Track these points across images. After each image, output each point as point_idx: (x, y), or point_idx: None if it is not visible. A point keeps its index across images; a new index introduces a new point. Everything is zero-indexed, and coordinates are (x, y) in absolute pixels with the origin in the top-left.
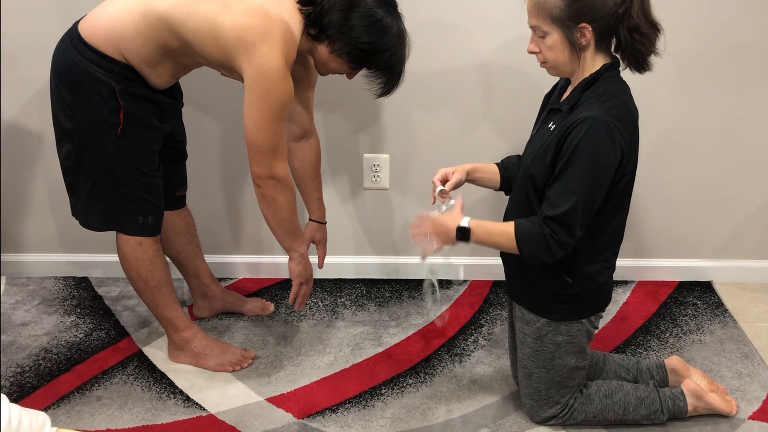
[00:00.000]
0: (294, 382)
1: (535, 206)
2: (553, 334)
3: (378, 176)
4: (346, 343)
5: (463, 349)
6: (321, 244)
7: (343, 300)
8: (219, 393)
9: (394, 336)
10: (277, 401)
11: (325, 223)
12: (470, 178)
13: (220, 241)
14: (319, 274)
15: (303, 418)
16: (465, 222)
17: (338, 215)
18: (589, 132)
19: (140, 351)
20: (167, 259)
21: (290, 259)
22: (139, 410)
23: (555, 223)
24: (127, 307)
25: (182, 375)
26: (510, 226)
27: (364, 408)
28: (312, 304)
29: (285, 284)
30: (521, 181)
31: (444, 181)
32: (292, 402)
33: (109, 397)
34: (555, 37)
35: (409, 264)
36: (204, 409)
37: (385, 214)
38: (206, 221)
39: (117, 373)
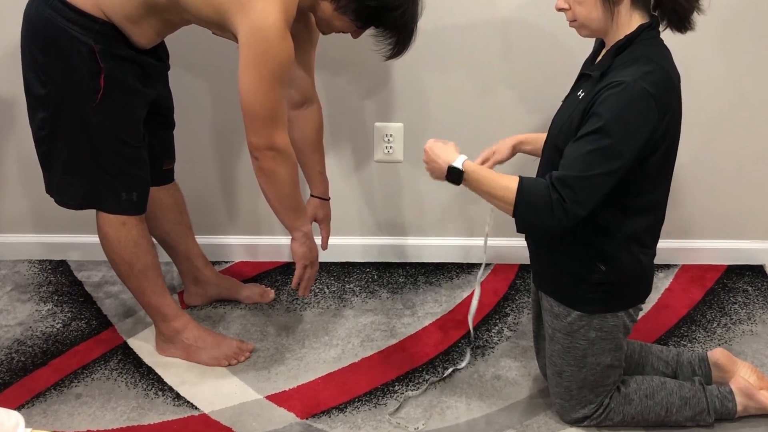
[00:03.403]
0: (296, 377)
1: None
2: (586, 330)
3: (391, 147)
4: (354, 335)
5: (486, 341)
6: (324, 223)
7: (351, 286)
8: (213, 390)
9: (408, 326)
10: (278, 399)
11: (328, 200)
12: (519, 150)
13: (213, 219)
14: (325, 256)
15: (307, 418)
16: (459, 162)
17: (344, 191)
18: (621, 98)
19: (125, 343)
20: (154, 240)
21: (293, 239)
22: (123, 409)
23: (566, 187)
24: (109, 294)
25: (172, 370)
26: (512, 180)
27: (375, 407)
28: (317, 290)
29: (287, 268)
30: (547, 156)
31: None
32: (295, 400)
33: (90, 395)
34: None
35: (426, 246)
36: (196, 408)
37: (398, 189)
38: (197, 198)
39: (99, 368)
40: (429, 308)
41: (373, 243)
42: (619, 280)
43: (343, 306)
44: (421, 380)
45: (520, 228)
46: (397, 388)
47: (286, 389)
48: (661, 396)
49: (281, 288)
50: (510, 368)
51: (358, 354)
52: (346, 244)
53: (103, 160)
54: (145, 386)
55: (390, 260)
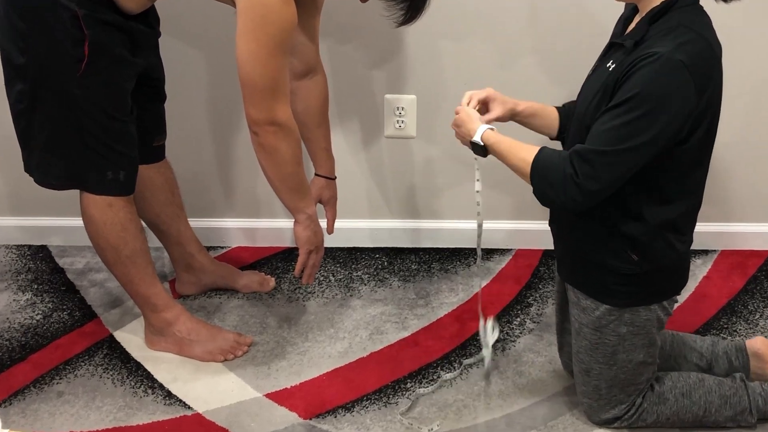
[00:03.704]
0: (299, 374)
1: None
2: (616, 324)
3: (403, 122)
4: (363, 327)
5: (507, 333)
6: (330, 204)
7: (359, 273)
8: (207, 388)
9: (421, 318)
10: (279, 398)
11: (334, 179)
12: (519, 120)
13: (208, 201)
14: (330, 241)
15: (310, 419)
16: (478, 135)
17: (352, 170)
18: (655, 70)
19: (111, 336)
20: (143, 223)
21: (296, 222)
22: (109, 408)
23: (584, 161)
24: (94, 283)
25: (162, 365)
26: (531, 152)
27: (386, 406)
28: (322, 278)
29: (289, 254)
30: (574, 135)
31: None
32: (297, 398)
33: (73, 393)
34: None
35: (441, 229)
36: (189, 407)
37: (409, 168)
38: (191, 177)
39: (82, 364)
40: (444, 298)
41: (383, 226)
42: (652, 270)
43: (351, 295)
44: (435, 377)
45: (539, 199)
46: (409, 385)
47: (288, 387)
48: (699, 394)
49: (282, 276)
50: (533, 363)
51: (366, 348)
52: (353, 228)
53: (88, 136)
54: (133, 383)
55: (401, 245)
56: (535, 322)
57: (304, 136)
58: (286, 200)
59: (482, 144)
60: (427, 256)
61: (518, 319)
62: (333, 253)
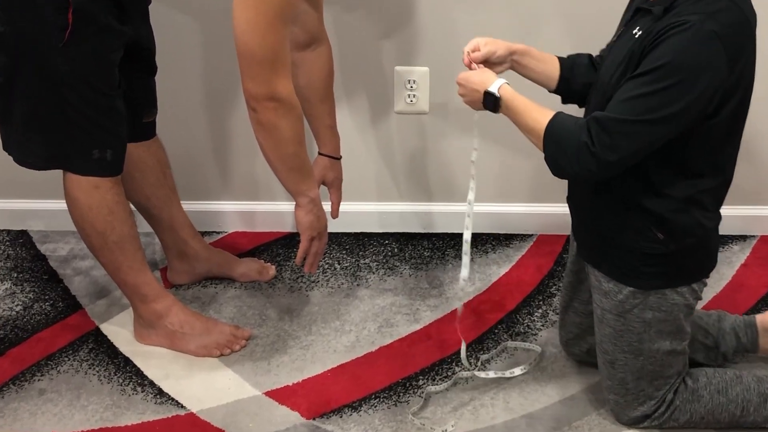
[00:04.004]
0: (302, 370)
1: None
2: (641, 309)
3: (414, 96)
4: (371, 319)
5: (528, 326)
6: (334, 186)
7: (367, 261)
8: (202, 385)
9: (435, 309)
10: (280, 396)
11: (339, 159)
12: (516, 64)
13: (202, 182)
14: (335, 226)
15: (314, 419)
16: (496, 86)
17: (358, 149)
18: (687, 40)
19: (97, 329)
20: (132, 207)
21: (297, 206)
22: (95, 408)
23: (602, 130)
24: (79, 271)
25: (153, 361)
26: (546, 115)
27: (396, 405)
28: (326, 265)
29: (290, 240)
30: (596, 104)
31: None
32: (300, 397)
33: (56, 391)
34: None
35: (456, 213)
36: (182, 406)
37: (422, 146)
38: (184, 156)
39: (66, 359)
40: (459, 288)
41: (393, 210)
42: (679, 249)
43: (358, 285)
44: (449, 373)
45: (554, 172)
46: (421, 382)
47: (290, 384)
48: (737, 392)
49: (283, 263)
50: (556, 359)
51: (375, 342)
52: (360, 212)
53: (72, 112)
54: (121, 380)
55: (413, 230)
56: (558, 314)
57: (307, 112)
58: (286, 182)
59: (498, 95)
60: (441, 242)
61: (540, 311)
62: (338, 239)
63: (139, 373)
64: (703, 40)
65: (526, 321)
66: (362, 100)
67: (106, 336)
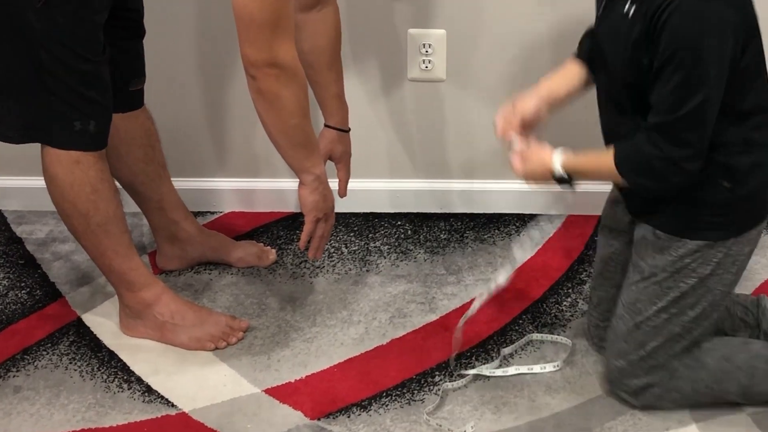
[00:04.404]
0: (305, 365)
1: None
2: (700, 263)
3: (430, 62)
4: (382, 308)
5: (556, 317)
6: (342, 162)
7: (377, 244)
8: (195, 382)
9: (452, 298)
10: (281, 394)
11: (348, 131)
12: (548, 107)
13: (195, 157)
14: (343, 206)
15: (318, 419)
16: (558, 164)
17: (368, 120)
18: (682, 18)
19: (78, 320)
20: (117, 184)
21: (301, 184)
22: (76, 407)
23: (661, 136)
24: (58, 255)
25: (140, 355)
26: (608, 156)
27: (409, 404)
28: (332, 249)
29: (293, 221)
30: (606, 99)
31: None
32: (303, 395)
33: (33, 388)
34: None
35: (475, 191)
36: (173, 405)
37: (439, 117)
38: (175, 129)
39: (44, 353)
40: (480, 273)
41: (406, 188)
42: (746, 195)
43: (367, 271)
44: (468, 368)
45: (650, 196)
46: (437, 378)
47: (292, 381)
48: (743, 359)
49: (285, 247)
50: (587, 352)
51: (386, 334)
52: (371, 190)
53: (51, 80)
54: (105, 377)
55: (428, 210)
56: (587, 301)
57: (312, 80)
58: (289, 158)
59: (565, 175)
60: (460, 224)
61: (569, 299)
62: (346, 220)
63: (125, 369)
64: (699, 13)
65: (553, 311)
66: (373, 67)
67: (88, 327)
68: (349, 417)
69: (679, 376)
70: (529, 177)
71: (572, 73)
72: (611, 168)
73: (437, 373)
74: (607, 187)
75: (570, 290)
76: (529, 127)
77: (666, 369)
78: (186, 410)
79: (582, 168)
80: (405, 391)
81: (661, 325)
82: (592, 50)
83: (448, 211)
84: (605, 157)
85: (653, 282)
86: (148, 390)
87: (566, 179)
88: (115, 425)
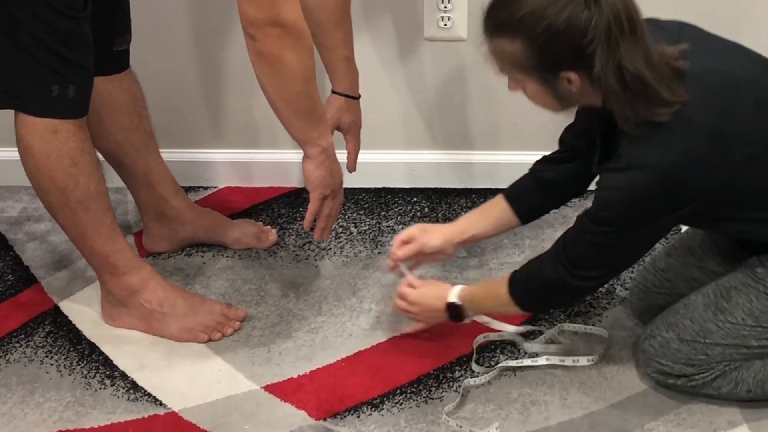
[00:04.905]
0: (309, 359)
1: None
2: None
3: (449, 18)
4: (395, 295)
5: (590, 304)
6: (351, 132)
7: (391, 223)
8: (186, 378)
9: (475, 283)
10: (283, 391)
11: (358, 98)
12: (462, 244)
13: (187, 126)
14: (352, 181)
15: (324, 419)
16: (453, 295)
17: (381, 85)
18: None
19: (56, 308)
20: (100, 156)
21: (306, 157)
22: (53, 405)
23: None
24: (33, 236)
25: (125, 348)
26: (502, 284)
27: (426, 402)
28: (340, 230)
29: (296, 197)
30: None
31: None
32: (307, 392)
33: (5, 385)
34: (533, 86)
35: (500, 164)
36: (161, 403)
37: (460, 81)
38: (166, 95)
39: (17, 345)
40: (505, 256)
41: (423, 160)
42: None
43: (379, 253)
44: (492, 362)
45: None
46: (457, 374)
47: (294, 376)
48: None
49: (287, 227)
50: (625, 344)
51: (400, 324)
52: (384, 163)
53: (25, 38)
54: (85, 372)
55: (448, 185)
56: (627, 288)
57: (318, 40)
58: (292, 128)
59: (460, 304)
60: (483, 200)
61: (605, 285)
62: (356, 197)
63: (107, 363)
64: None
65: (588, 299)
66: (385, 25)
67: (66, 316)
68: (358, 417)
69: (720, 373)
70: (420, 306)
71: (497, 212)
72: (503, 300)
73: (457, 367)
74: None
75: None
76: (427, 260)
77: (709, 367)
78: (176, 409)
79: (475, 303)
80: (421, 387)
81: (743, 332)
82: (534, 209)
83: (469, 187)
84: (499, 289)
85: (764, 292)
86: (134, 387)
87: (457, 307)
88: (96, 426)
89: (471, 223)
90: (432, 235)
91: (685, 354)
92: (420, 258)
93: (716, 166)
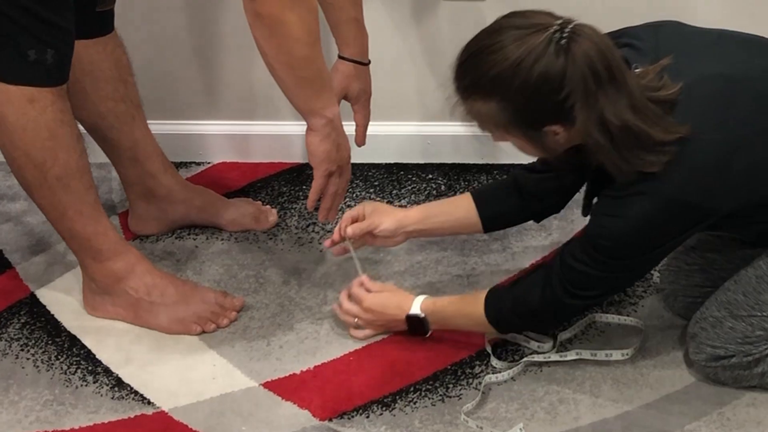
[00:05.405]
0: (313, 353)
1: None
2: None
3: None
4: (408, 282)
5: (625, 293)
6: (360, 102)
7: (404, 203)
8: (177, 374)
9: (496, 269)
10: (284, 388)
11: (367, 64)
12: (415, 234)
13: (179, 95)
14: (360, 156)
15: (330, 419)
16: (416, 307)
17: (393, 50)
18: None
19: (32, 296)
20: (81, 128)
21: (309, 129)
22: (29, 404)
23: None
24: (7, 216)
25: (109, 340)
26: (474, 303)
27: (443, 400)
28: (348, 209)
29: (298, 174)
30: None
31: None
32: (311, 390)
33: None
34: (518, 142)
35: None
36: (149, 402)
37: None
38: (154, 60)
39: None
40: (530, 239)
41: (440, 132)
42: None
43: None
44: (516, 356)
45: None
46: (477, 369)
47: (297, 372)
48: None
49: (288, 206)
50: (663, 336)
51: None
52: (396, 136)
53: None
54: (65, 367)
55: (467, 160)
56: (661, 274)
57: (323, 0)
58: (295, 97)
59: (423, 316)
60: (504, 176)
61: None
62: (365, 173)
63: (90, 357)
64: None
65: None
66: None
67: (44, 306)
68: (368, 417)
69: (762, 355)
70: (370, 319)
71: (462, 212)
72: (478, 321)
73: (477, 362)
74: None
75: None
76: (375, 243)
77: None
78: (165, 409)
79: (442, 315)
80: (437, 385)
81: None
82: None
83: (490, 162)
84: (471, 308)
85: None
86: (119, 384)
87: (423, 321)
88: (77, 427)
89: (431, 215)
90: (385, 217)
91: (740, 332)
92: (367, 239)
93: (726, 182)
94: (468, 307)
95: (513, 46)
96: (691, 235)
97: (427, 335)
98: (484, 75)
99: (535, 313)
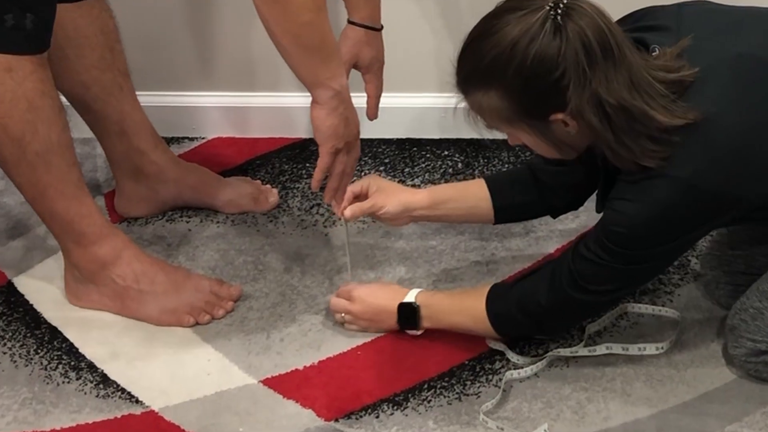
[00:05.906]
0: (318, 347)
1: None
2: None
3: None
4: (422, 269)
5: (659, 281)
6: (372, 71)
7: (417, 181)
8: (168, 370)
9: (518, 254)
10: (285, 386)
11: (380, 29)
12: (423, 218)
13: (171, 64)
14: (371, 131)
15: (336, 420)
16: (411, 296)
17: (408, 14)
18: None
19: (9, 284)
20: (64, 100)
21: (314, 102)
22: (6, 403)
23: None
24: None
25: (93, 333)
26: (475, 297)
27: (460, 399)
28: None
29: (302, 150)
30: None
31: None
32: (315, 387)
33: None
34: (526, 137)
35: None
36: (137, 401)
37: None
38: (145, 27)
39: None
40: (556, 222)
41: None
42: None
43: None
44: (540, 351)
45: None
46: (497, 365)
47: (299, 368)
48: None
49: (291, 186)
50: (701, 328)
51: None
52: (411, 109)
53: None
54: (45, 362)
55: (486, 136)
56: (699, 258)
57: None
58: (299, 67)
59: (416, 305)
60: (529, 154)
61: (676, 261)
62: (375, 150)
63: (72, 352)
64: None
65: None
66: None
67: (22, 295)
68: (377, 417)
69: None
70: (358, 311)
71: (474, 200)
72: (478, 319)
73: (497, 357)
74: None
75: None
76: (377, 220)
77: None
78: (155, 408)
79: (438, 309)
80: (454, 382)
81: None
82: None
83: None
84: (472, 303)
85: None
86: (104, 380)
87: (413, 309)
88: (59, 428)
89: (441, 201)
90: (390, 198)
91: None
92: (368, 216)
93: (750, 167)
94: (467, 301)
95: (509, 28)
96: (714, 229)
97: (419, 332)
98: (481, 61)
99: (540, 310)
